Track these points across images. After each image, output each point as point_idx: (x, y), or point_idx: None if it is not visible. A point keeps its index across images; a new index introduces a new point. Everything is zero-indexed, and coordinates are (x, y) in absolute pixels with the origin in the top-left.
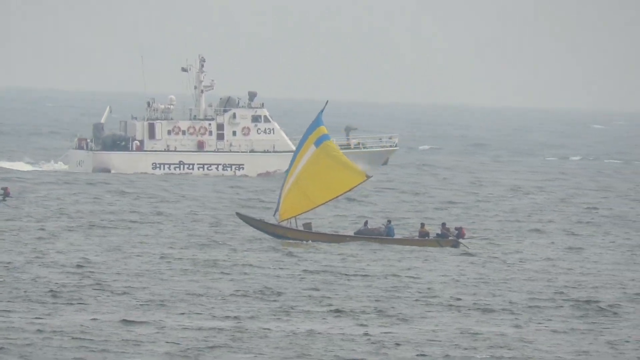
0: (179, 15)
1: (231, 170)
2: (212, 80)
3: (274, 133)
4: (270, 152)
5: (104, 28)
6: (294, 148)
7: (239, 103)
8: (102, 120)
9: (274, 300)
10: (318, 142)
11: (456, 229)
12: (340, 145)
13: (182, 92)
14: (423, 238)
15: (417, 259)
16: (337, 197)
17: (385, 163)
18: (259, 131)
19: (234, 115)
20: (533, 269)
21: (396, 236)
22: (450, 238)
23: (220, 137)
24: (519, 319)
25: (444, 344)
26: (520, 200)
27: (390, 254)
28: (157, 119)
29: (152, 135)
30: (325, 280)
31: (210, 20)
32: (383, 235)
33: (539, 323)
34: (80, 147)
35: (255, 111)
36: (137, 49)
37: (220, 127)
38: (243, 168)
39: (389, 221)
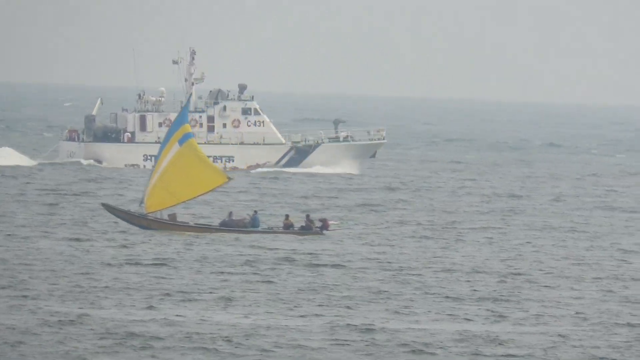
0: (172, 8)
1: (221, 162)
2: (203, 73)
3: (263, 125)
4: (260, 144)
5: (94, 21)
6: (284, 141)
7: (229, 96)
8: (94, 112)
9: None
10: (182, 141)
11: (320, 220)
12: (329, 138)
13: (172, 85)
14: (287, 229)
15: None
16: (200, 195)
17: (373, 156)
18: (249, 123)
19: (224, 108)
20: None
21: (261, 227)
22: (314, 229)
23: (211, 129)
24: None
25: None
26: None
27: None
28: (148, 111)
29: (143, 127)
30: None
31: (205, 14)
32: (248, 227)
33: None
34: (71, 139)
35: (245, 104)
36: (128, 42)
37: (210, 119)
38: (233, 160)
39: (255, 212)
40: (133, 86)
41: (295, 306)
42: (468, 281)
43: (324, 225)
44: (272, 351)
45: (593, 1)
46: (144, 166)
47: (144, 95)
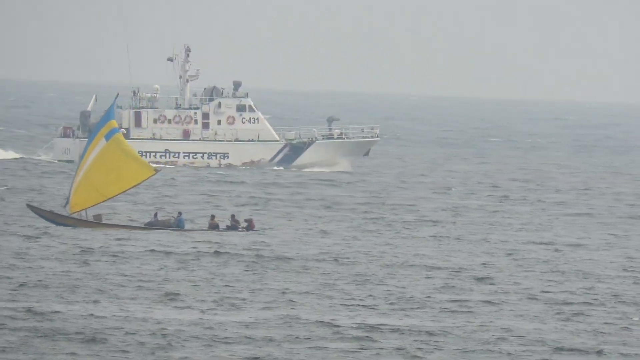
0: (167, 5)
1: (216, 158)
2: (197, 70)
3: (258, 122)
4: (254, 141)
5: (88, 18)
6: (278, 138)
7: (223, 93)
8: (89, 109)
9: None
10: (108, 136)
11: (246, 220)
12: (322, 136)
13: (167, 83)
14: (213, 230)
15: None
16: (127, 190)
17: (367, 154)
18: (244, 120)
19: (219, 105)
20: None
21: (186, 227)
22: (240, 230)
23: (206, 126)
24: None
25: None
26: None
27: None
28: (142, 107)
29: (138, 123)
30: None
31: (200, 11)
32: (173, 227)
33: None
34: (65, 136)
35: (240, 101)
36: (122, 39)
37: (205, 116)
38: (228, 157)
39: (180, 213)
40: (127, 83)
41: (237, 302)
42: (412, 275)
43: (250, 226)
44: (216, 346)
45: (592, 1)
46: None
47: (138, 92)
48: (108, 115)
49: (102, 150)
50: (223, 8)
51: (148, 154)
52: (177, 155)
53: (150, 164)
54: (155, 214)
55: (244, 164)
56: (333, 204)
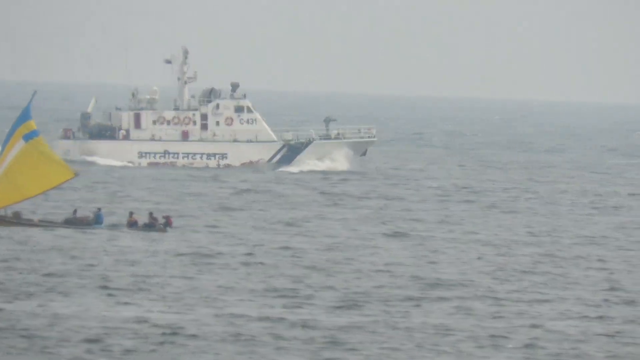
0: (166, 7)
1: (214, 159)
2: (195, 72)
3: (256, 123)
4: (253, 141)
5: (87, 19)
6: (275, 138)
7: (221, 94)
8: (89, 110)
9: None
10: (27, 137)
11: (164, 217)
12: (320, 136)
13: (166, 84)
14: (131, 227)
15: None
16: (46, 191)
17: (364, 154)
18: (242, 121)
19: (218, 106)
20: None
21: (105, 224)
22: (158, 227)
23: (204, 127)
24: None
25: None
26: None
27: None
28: (142, 109)
29: (137, 124)
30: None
31: (198, 13)
32: (92, 224)
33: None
34: (66, 137)
35: (238, 102)
36: (121, 41)
37: (204, 117)
38: (226, 157)
39: (99, 209)
40: (126, 84)
41: (176, 300)
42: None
43: (167, 222)
44: (162, 345)
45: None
46: (139, 163)
47: (137, 93)
48: (25, 115)
49: (21, 151)
50: (222, 9)
51: (147, 154)
52: (176, 156)
53: (70, 168)
54: (75, 211)
55: (242, 164)
56: (287, 201)
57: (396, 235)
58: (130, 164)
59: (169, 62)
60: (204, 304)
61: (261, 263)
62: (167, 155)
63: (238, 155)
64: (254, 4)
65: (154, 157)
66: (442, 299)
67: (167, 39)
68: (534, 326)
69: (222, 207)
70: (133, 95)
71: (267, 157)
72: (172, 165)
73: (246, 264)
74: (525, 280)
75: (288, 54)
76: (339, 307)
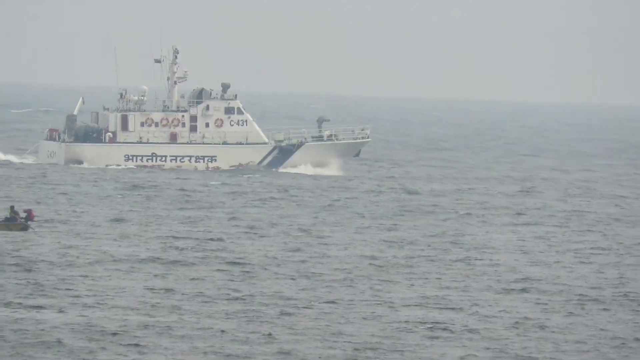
0: (154, 5)
1: (204, 162)
2: (186, 72)
3: (247, 125)
4: (243, 144)
5: (72, 17)
6: (267, 140)
7: (212, 95)
8: (75, 112)
9: None
10: None
11: (25, 211)
12: (312, 137)
13: (155, 84)
14: None
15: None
16: None
17: (357, 155)
18: (232, 123)
19: (207, 107)
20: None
21: None
22: (19, 221)
23: (193, 128)
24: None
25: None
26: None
27: None
28: (129, 110)
29: (124, 126)
30: None
31: (187, 11)
32: None
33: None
34: (51, 139)
35: (229, 103)
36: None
37: (193, 118)
38: (216, 160)
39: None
40: (112, 86)
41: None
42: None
43: (29, 217)
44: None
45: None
46: (126, 166)
47: (125, 94)
48: None
49: None
50: (213, 8)
51: (135, 157)
52: (164, 158)
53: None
54: None
55: (232, 167)
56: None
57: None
58: (116, 167)
59: (158, 61)
60: None
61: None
62: (154, 158)
63: (227, 157)
64: (249, 3)
65: (141, 160)
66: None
67: (157, 38)
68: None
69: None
70: (121, 96)
71: (257, 160)
72: (160, 168)
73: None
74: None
75: (284, 54)
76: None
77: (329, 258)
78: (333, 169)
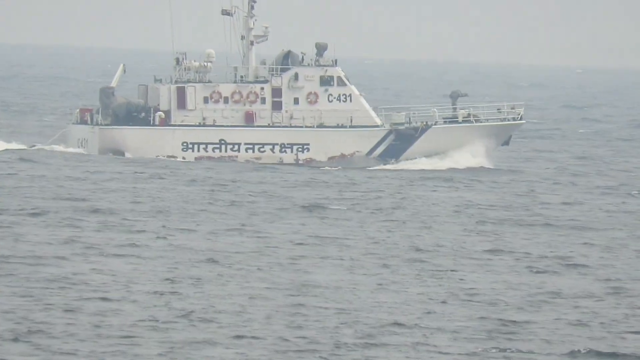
0: None
1: (292, 151)
2: (266, 28)
3: (351, 101)
4: (346, 127)
5: None
6: (379, 122)
7: (303, 60)
8: (113, 84)
9: None
10: None
11: None
12: (444, 119)
13: (224, 47)
14: None
15: None
16: None
17: (507, 143)
18: (331, 98)
19: (296, 76)
20: None
21: None
22: None
23: (277, 106)
24: None
25: None
26: None
27: None
28: (189, 81)
29: (182, 103)
30: None
31: None
32: None
33: None
34: (82, 121)
35: (326, 70)
36: None
37: (276, 92)
38: (308, 149)
39: None
40: (169, 50)
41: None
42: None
43: None
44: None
45: None
46: (184, 158)
47: (184, 60)
48: None
49: None
50: None
51: (196, 146)
52: (236, 147)
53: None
54: None
55: (330, 158)
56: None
57: None
58: (172, 159)
59: (227, 13)
60: None
61: None
62: (224, 147)
63: (325, 146)
64: None
65: (205, 149)
66: None
67: None
68: None
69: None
70: (177, 62)
71: (365, 149)
72: (232, 160)
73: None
74: None
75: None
76: None
77: None
78: (473, 161)
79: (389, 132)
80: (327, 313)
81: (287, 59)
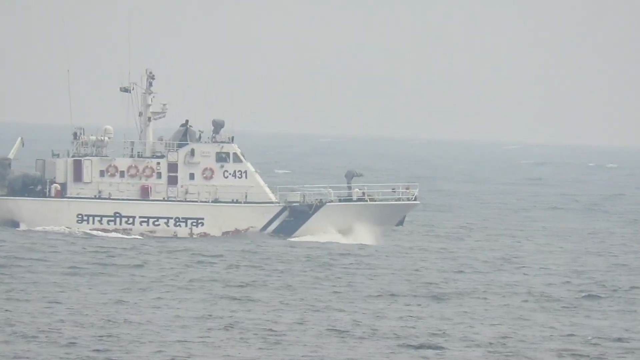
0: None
1: (186, 226)
2: (164, 105)
3: (246, 177)
4: (241, 203)
5: (18, 36)
6: (273, 198)
7: (200, 137)
8: (10, 156)
9: None
10: None
11: None
12: (339, 197)
13: (120, 123)
14: None
15: None
16: None
17: (400, 223)
18: (227, 174)
19: (192, 152)
20: None
21: None
22: None
23: (173, 181)
24: None
25: None
26: None
27: None
28: (86, 155)
29: (78, 176)
30: None
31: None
32: None
33: None
34: None
35: (222, 147)
36: (62, 64)
37: (172, 167)
38: (203, 224)
39: None
40: (68, 124)
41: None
42: None
43: None
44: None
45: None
46: (78, 229)
47: (82, 134)
48: None
49: None
50: (196, 26)
51: (91, 218)
52: (131, 220)
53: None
54: None
55: (225, 233)
56: None
57: None
58: (66, 231)
59: (126, 90)
60: None
61: None
62: (118, 220)
63: (219, 221)
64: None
65: (100, 221)
66: None
67: (125, 60)
68: None
69: None
70: (75, 136)
71: (260, 224)
72: (126, 232)
73: None
74: None
75: (279, 91)
76: None
77: None
78: (364, 239)
79: (284, 209)
80: None
81: (185, 136)
